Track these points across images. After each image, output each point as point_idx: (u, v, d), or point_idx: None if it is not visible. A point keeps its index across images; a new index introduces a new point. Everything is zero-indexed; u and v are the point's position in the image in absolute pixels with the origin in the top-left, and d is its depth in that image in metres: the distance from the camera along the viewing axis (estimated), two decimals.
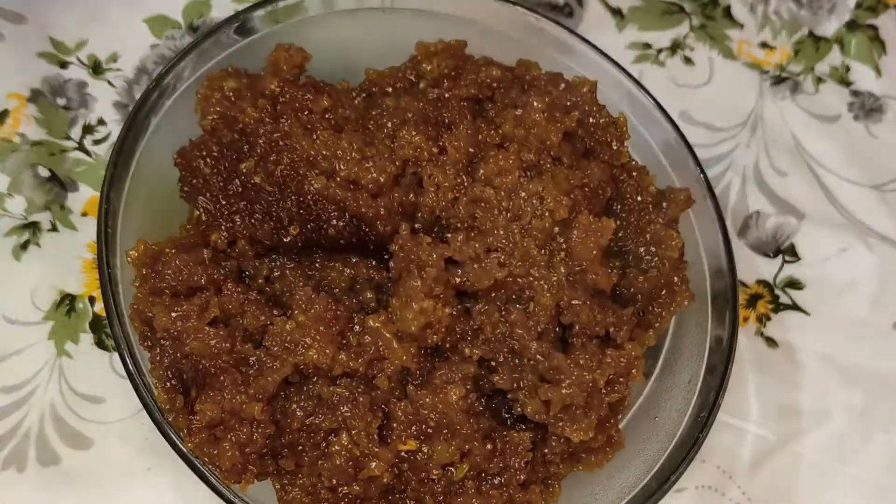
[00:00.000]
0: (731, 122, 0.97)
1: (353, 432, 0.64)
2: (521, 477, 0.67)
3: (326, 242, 0.69)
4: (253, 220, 0.67)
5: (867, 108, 1.00)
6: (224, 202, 0.68)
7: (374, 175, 0.67)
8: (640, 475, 0.70)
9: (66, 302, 0.79)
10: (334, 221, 0.67)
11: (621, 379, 0.68)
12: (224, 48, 0.76)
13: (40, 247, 0.80)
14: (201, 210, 0.68)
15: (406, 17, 0.81)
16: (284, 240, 0.68)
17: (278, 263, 0.68)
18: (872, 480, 0.84)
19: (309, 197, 0.67)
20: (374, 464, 0.63)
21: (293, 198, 0.67)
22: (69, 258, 0.81)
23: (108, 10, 0.90)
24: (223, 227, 0.67)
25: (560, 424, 0.66)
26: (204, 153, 0.68)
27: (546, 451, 0.69)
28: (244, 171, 0.67)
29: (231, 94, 0.69)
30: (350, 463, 0.64)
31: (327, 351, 0.63)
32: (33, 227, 0.81)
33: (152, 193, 0.71)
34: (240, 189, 0.68)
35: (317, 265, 0.69)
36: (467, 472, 0.66)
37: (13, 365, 0.76)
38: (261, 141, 0.68)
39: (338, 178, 0.67)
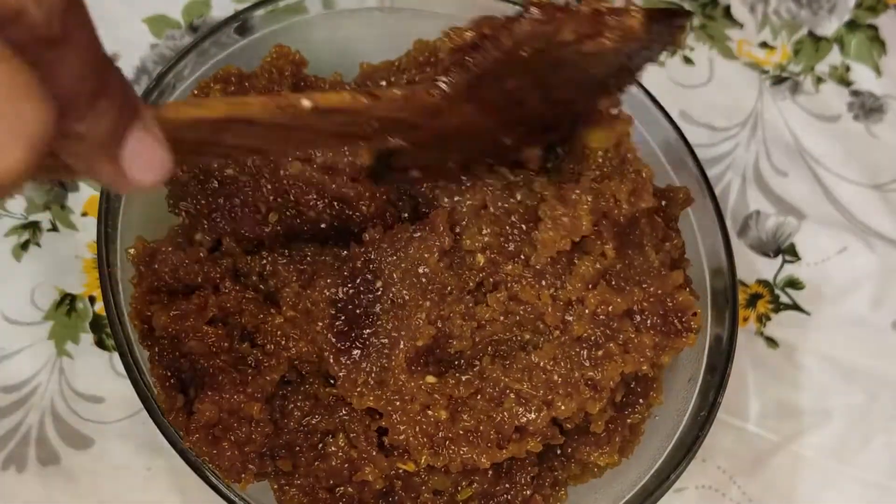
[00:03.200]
0: (731, 122, 0.97)
1: (352, 436, 0.64)
2: (528, 492, 0.67)
3: (310, 229, 0.68)
4: (232, 215, 0.67)
5: (867, 107, 1.00)
6: (203, 202, 0.68)
7: (351, 159, 0.67)
8: (639, 474, 0.70)
9: (67, 302, 0.79)
10: (313, 203, 0.67)
11: (641, 401, 0.68)
12: (224, 48, 0.76)
13: (40, 246, 0.80)
14: (184, 215, 0.69)
15: (406, 17, 0.81)
16: (265, 230, 0.67)
17: (269, 260, 0.68)
18: (872, 480, 0.84)
19: (285, 182, 0.67)
20: (367, 469, 0.63)
21: (268, 186, 0.67)
22: (69, 258, 0.81)
23: (107, 10, 0.89)
24: (205, 226, 0.68)
25: (586, 449, 0.67)
26: (179, 162, 0.68)
27: (556, 463, 0.69)
28: (216, 165, 0.67)
29: None
30: (346, 465, 0.64)
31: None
32: (33, 226, 0.81)
33: (152, 193, 0.71)
34: (216, 185, 0.68)
35: (308, 259, 0.69)
36: (471, 496, 0.66)
37: (13, 365, 0.76)
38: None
39: (314, 165, 0.67)
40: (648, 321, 0.64)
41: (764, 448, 0.84)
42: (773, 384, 0.87)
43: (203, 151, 0.49)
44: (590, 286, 0.64)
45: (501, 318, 0.64)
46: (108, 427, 0.76)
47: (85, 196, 0.83)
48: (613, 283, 0.65)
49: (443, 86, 0.57)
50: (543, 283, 0.64)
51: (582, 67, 0.62)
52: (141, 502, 0.75)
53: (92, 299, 0.80)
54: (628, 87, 0.69)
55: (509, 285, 0.64)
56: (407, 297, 0.64)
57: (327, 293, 0.64)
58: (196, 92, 0.70)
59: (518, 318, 0.64)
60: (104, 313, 0.67)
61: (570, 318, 0.64)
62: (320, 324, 0.64)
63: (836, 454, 0.85)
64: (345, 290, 0.65)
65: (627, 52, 0.62)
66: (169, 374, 0.64)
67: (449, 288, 0.64)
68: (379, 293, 0.64)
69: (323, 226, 0.68)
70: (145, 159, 0.39)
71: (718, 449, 0.83)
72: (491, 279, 0.65)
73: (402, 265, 0.64)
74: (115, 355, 0.77)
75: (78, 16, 0.35)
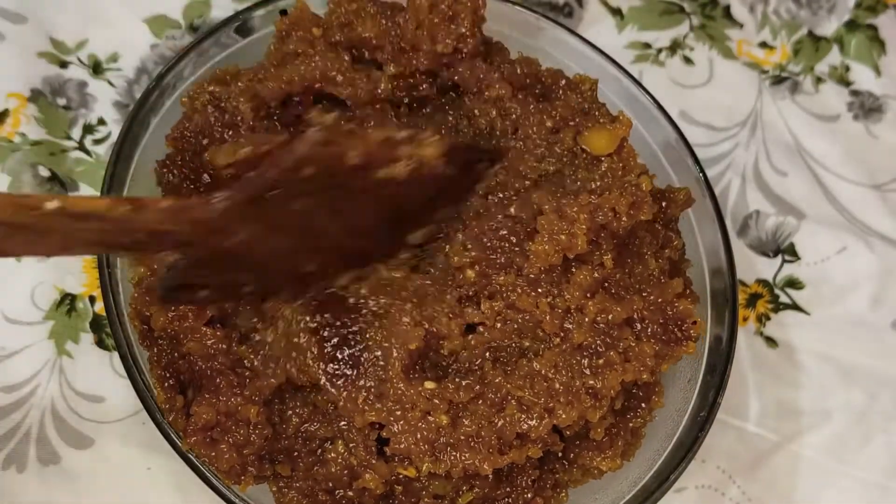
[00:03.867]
0: (731, 122, 0.97)
1: (351, 445, 0.64)
2: (529, 495, 0.67)
3: None
4: None
5: (867, 107, 1.00)
6: None
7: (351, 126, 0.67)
8: (639, 475, 0.70)
9: (67, 301, 0.79)
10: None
11: (643, 405, 0.68)
12: (224, 48, 0.76)
13: None
14: None
15: None
16: None
17: None
18: (872, 480, 0.84)
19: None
20: (368, 475, 0.63)
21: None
22: (69, 258, 0.81)
23: (108, 10, 0.90)
24: None
25: (589, 454, 0.67)
26: (170, 166, 0.68)
27: (557, 466, 0.69)
28: (209, 159, 0.67)
29: (214, 97, 0.69)
30: (345, 472, 0.64)
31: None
32: None
33: (152, 193, 0.71)
34: (209, 179, 0.68)
35: None
36: (472, 500, 0.66)
37: (13, 364, 0.76)
38: (215, 125, 0.68)
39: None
40: (649, 329, 0.65)
41: (764, 448, 0.84)
42: (772, 384, 0.87)
43: None
44: (588, 295, 0.64)
45: (499, 325, 0.64)
46: (108, 427, 0.76)
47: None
48: (613, 291, 0.65)
49: (217, 203, 0.53)
50: (539, 290, 0.64)
51: (382, 196, 0.58)
52: (141, 502, 0.75)
53: (92, 299, 0.80)
54: (450, 220, 0.65)
55: (505, 295, 0.64)
56: (386, 304, 0.64)
57: (303, 325, 0.64)
58: (191, 93, 0.70)
59: (517, 325, 0.64)
60: (104, 313, 0.67)
61: (570, 326, 0.64)
62: (310, 354, 0.63)
63: (835, 454, 0.85)
64: (321, 318, 0.64)
65: (433, 184, 0.59)
66: (168, 374, 0.64)
67: (425, 288, 0.64)
68: (359, 307, 0.64)
69: None
70: None
71: (718, 449, 0.83)
72: (485, 291, 0.65)
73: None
74: (116, 355, 0.77)
75: None
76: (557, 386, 0.62)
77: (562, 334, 0.64)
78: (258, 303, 0.63)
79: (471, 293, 0.65)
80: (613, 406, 0.65)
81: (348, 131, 0.55)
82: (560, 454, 0.68)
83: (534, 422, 0.62)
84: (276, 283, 0.62)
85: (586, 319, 0.63)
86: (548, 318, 0.63)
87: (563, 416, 0.62)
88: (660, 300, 0.65)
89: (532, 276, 0.64)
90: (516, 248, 0.64)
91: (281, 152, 0.54)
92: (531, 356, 0.64)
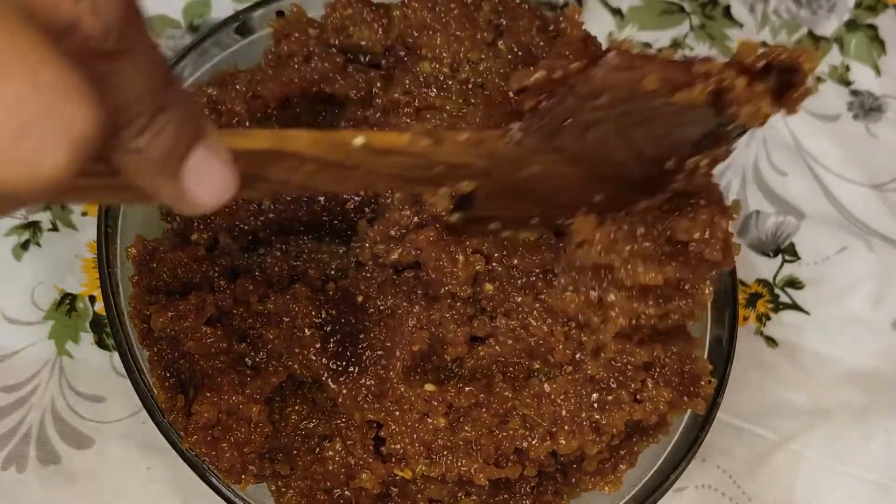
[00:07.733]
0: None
1: (349, 443, 0.64)
2: (527, 502, 0.67)
3: (306, 213, 0.68)
4: (226, 208, 0.67)
5: (867, 107, 1.00)
6: None
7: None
8: (639, 475, 0.70)
9: (67, 301, 0.79)
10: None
11: (651, 431, 0.68)
12: (224, 48, 0.76)
13: (40, 246, 0.80)
14: (178, 219, 0.68)
15: None
16: (260, 219, 0.67)
17: (268, 260, 0.68)
18: (872, 480, 0.84)
19: None
20: (364, 474, 0.63)
21: None
22: (69, 258, 0.81)
23: None
24: (199, 225, 0.67)
25: (592, 479, 0.67)
26: None
27: (557, 476, 0.69)
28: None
29: (212, 101, 0.69)
30: (343, 470, 0.64)
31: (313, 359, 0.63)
32: (33, 226, 0.81)
33: None
34: None
35: (304, 257, 0.69)
36: None
37: (13, 364, 0.77)
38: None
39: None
40: (666, 375, 0.64)
41: (764, 447, 0.84)
42: (772, 384, 0.87)
43: (248, 184, 0.43)
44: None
45: (510, 341, 0.64)
46: (108, 427, 0.76)
47: None
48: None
49: (514, 134, 0.53)
50: (557, 318, 0.63)
51: (672, 124, 0.54)
52: (141, 502, 0.75)
53: (92, 299, 0.80)
54: (720, 156, 0.61)
55: (521, 316, 0.64)
56: (393, 304, 0.64)
57: (308, 320, 0.64)
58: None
59: (530, 346, 0.64)
60: (104, 313, 0.67)
61: (581, 358, 0.63)
62: (312, 349, 0.63)
63: (835, 453, 0.85)
64: (326, 314, 0.64)
65: (723, 113, 0.53)
66: (168, 374, 0.64)
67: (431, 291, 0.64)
68: (366, 306, 0.64)
69: (317, 208, 0.68)
70: (208, 179, 0.38)
71: (718, 449, 0.83)
72: (502, 307, 0.64)
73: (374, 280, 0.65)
74: (116, 355, 0.77)
75: (137, 30, 0.34)
76: (564, 413, 0.62)
77: (571, 366, 0.63)
78: (545, 231, 0.62)
79: (488, 307, 0.64)
80: (612, 442, 0.65)
81: (643, 55, 0.51)
82: (559, 478, 0.68)
83: (535, 441, 0.62)
84: (564, 212, 0.60)
85: (603, 356, 0.63)
86: (560, 346, 0.63)
87: (564, 443, 0.62)
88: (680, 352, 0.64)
89: (549, 301, 0.63)
90: (537, 269, 0.64)
91: (578, 78, 0.51)
92: (542, 378, 0.63)
